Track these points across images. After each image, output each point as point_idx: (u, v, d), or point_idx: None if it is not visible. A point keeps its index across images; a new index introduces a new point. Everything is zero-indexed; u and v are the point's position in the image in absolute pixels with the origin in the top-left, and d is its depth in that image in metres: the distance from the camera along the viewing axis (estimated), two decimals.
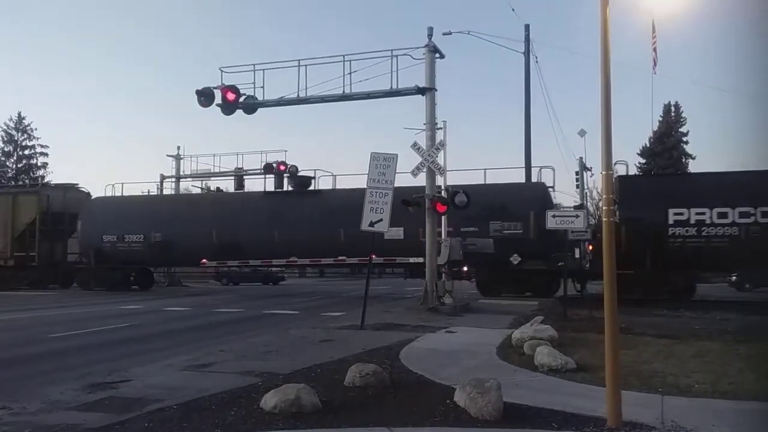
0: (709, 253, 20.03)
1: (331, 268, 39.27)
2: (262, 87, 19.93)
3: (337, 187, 26.94)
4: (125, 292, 28.36)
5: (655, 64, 16.45)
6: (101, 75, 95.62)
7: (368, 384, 6.94)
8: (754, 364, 8.35)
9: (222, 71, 19.97)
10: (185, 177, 34.40)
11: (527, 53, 27.71)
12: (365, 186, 14.13)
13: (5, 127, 55.07)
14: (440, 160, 18.06)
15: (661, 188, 22.86)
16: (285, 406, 5.82)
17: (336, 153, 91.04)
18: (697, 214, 19.95)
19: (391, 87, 18.70)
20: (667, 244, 19.98)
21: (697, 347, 9.85)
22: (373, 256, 15.80)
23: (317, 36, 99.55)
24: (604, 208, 5.86)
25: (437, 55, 18.68)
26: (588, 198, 31.00)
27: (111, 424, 5.58)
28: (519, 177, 26.74)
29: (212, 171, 32.74)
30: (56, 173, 64.02)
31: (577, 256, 21.92)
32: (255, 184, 30.55)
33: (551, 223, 15.66)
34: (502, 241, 22.49)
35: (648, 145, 50.18)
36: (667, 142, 49.45)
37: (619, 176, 21.95)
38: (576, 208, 22.49)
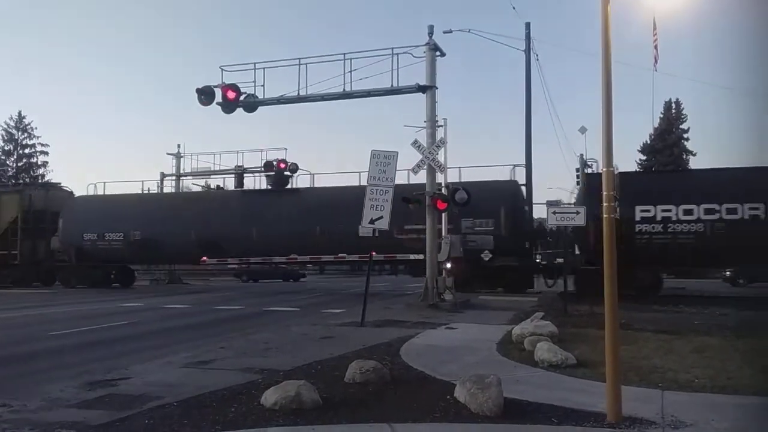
0: (675, 250, 20.22)
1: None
2: (263, 85, 19.97)
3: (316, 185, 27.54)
4: (125, 289, 28.40)
5: (656, 61, 16.43)
6: (102, 75, 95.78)
7: (368, 380, 6.94)
8: (753, 359, 8.36)
9: (222, 70, 19.99)
10: (185, 175, 34.46)
11: (528, 51, 27.67)
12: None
13: (6, 126, 55.22)
14: (440, 157, 18.07)
15: (628, 185, 23.04)
16: (285, 403, 5.83)
17: (336, 152, 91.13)
18: (663, 210, 20.13)
19: (392, 85, 18.69)
20: (634, 241, 20.02)
21: (697, 342, 9.85)
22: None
23: (318, 34, 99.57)
24: (604, 204, 5.87)
25: (438, 53, 18.67)
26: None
27: (111, 422, 5.59)
28: (499, 175, 26.58)
29: (212, 169, 32.81)
30: (56, 172, 64.22)
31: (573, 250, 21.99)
32: (255, 182, 30.65)
33: (552, 219, 15.64)
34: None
35: (649, 142, 50.18)
36: (668, 138, 49.43)
37: (587, 174, 22.20)
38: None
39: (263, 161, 28.96)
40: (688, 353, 8.90)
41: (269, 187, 28.42)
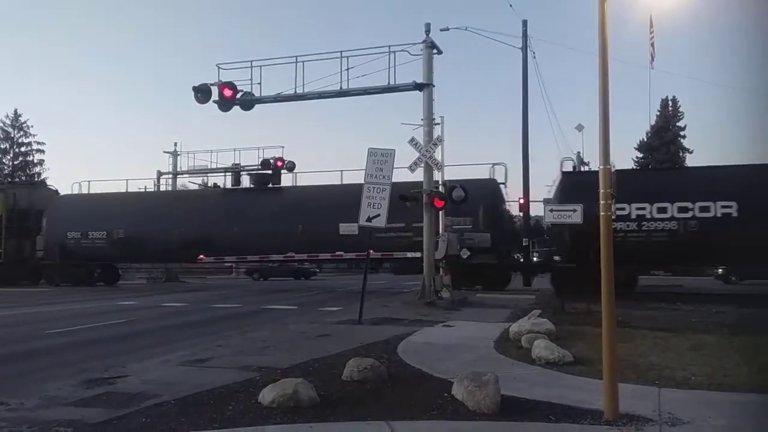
0: (649, 247, 20.27)
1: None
2: (260, 83, 19.99)
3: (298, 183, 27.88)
4: (121, 288, 28.33)
5: (653, 59, 16.45)
6: (102, 75, 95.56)
7: (366, 378, 6.94)
8: (750, 356, 8.38)
9: (219, 68, 19.99)
10: (182, 173, 34.45)
11: (525, 49, 27.63)
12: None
13: (1, 125, 54.99)
14: (438, 155, 18.07)
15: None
16: (283, 401, 5.82)
17: (333, 150, 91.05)
18: (638, 209, 20.17)
19: (389, 83, 18.70)
20: None
21: (693, 340, 9.87)
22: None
23: (316, 34, 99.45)
24: (601, 202, 5.85)
25: (435, 51, 18.67)
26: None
27: (109, 420, 5.57)
28: (478, 173, 26.53)
29: (209, 167, 32.79)
30: (54, 171, 64.07)
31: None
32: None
33: (549, 217, 15.64)
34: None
35: (645, 140, 50.27)
36: (665, 136, 49.55)
37: (563, 172, 22.33)
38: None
39: (260, 159, 29.02)
40: (685, 351, 8.92)
41: (252, 186, 28.74)
